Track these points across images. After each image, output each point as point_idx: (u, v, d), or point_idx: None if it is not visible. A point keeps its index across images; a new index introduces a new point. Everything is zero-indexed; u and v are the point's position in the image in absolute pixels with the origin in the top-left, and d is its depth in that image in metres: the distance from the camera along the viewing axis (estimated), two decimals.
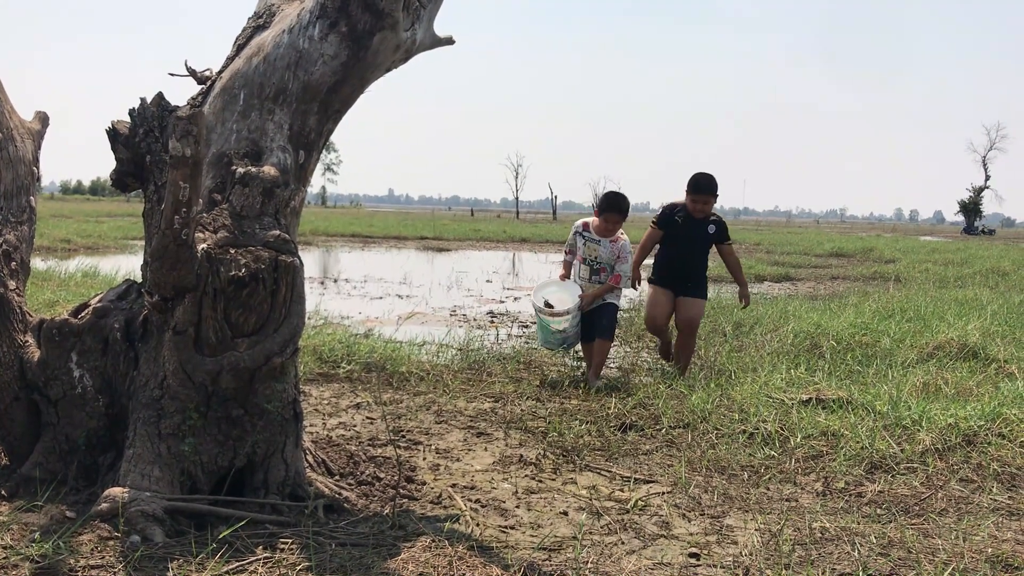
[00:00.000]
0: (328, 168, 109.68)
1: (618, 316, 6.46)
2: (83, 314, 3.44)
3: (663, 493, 3.83)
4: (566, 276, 6.32)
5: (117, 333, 3.36)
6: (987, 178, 71.03)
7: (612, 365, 6.94)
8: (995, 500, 3.73)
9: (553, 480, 3.98)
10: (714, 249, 6.49)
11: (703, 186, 6.26)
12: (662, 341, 6.67)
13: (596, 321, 6.20)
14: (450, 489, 3.75)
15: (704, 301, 6.43)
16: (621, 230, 6.25)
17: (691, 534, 3.31)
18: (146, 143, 3.45)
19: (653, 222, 6.48)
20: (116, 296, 3.49)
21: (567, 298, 6.18)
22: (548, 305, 6.16)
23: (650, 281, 6.54)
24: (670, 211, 6.41)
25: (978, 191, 69.65)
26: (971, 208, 69.23)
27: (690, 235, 6.31)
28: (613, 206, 6.20)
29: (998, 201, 78.11)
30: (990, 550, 3.12)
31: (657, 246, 6.55)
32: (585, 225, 6.28)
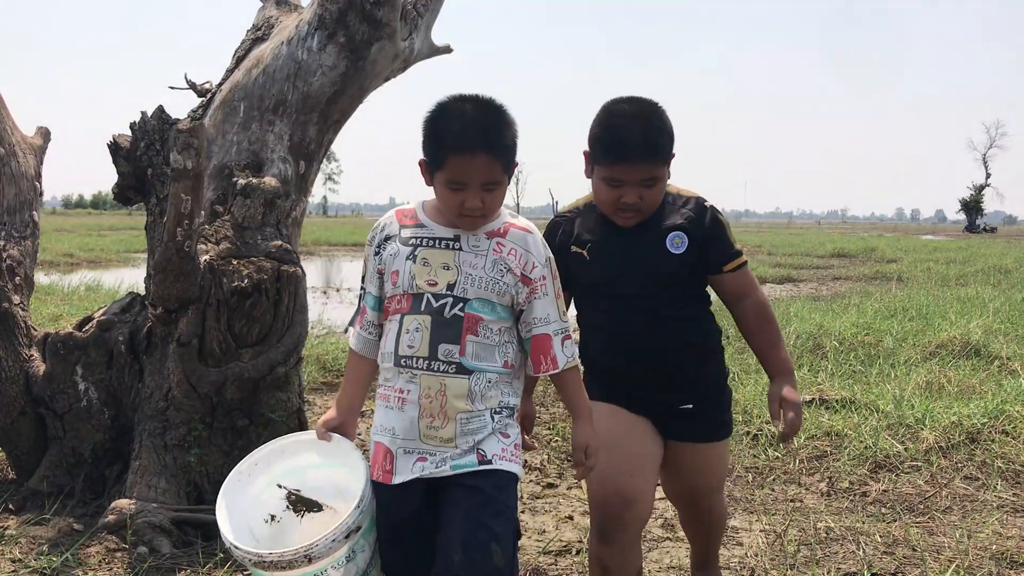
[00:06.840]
0: (329, 178, 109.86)
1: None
2: (87, 327, 3.46)
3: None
4: (340, 422, 2.09)
5: (121, 346, 3.38)
6: (988, 176, 70.93)
7: None
8: (1000, 497, 3.74)
9: (558, 485, 3.99)
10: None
11: (630, 142, 2.19)
12: (618, 552, 2.23)
13: (455, 542, 1.84)
14: None
15: (725, 443, 2.53)
16: (511, 212, 2.05)
17: None
18: (147, 156, 3.48)
19: None
20: (120, 309, 3.51)
21: (343, 485, 2.02)
22: (295, 502, 2.08)
23: (592, 396, 2.17)
24: (555, 229, 2.42)
25: (979, 189, 69.54)
26: (972, 206, 69.11)
27: (621, 275, 2.33)
28: (473, 142, 1.87)
29: (999, 199, 77.90)
30: (995, 547, 3.13)
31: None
32: (403, 216, 2.05)
